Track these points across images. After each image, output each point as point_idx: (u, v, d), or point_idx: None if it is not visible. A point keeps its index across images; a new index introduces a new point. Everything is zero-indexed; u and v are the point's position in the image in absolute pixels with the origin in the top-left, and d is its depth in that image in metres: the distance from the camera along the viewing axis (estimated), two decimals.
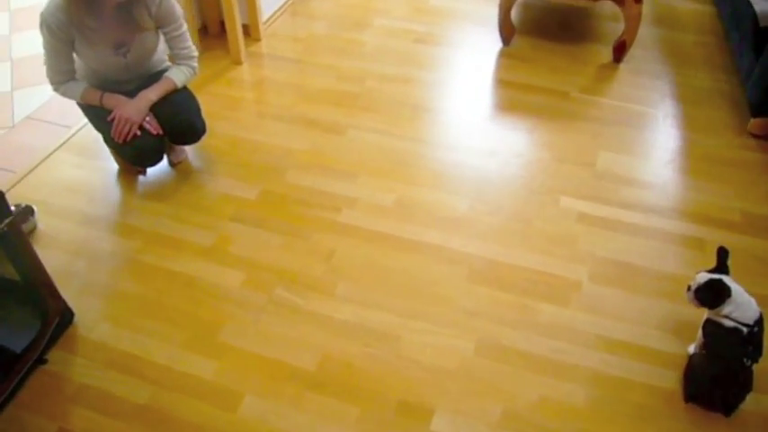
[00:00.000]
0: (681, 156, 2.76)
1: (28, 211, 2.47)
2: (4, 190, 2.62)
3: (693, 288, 1.91)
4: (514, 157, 2.76)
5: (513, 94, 3.11)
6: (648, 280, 2.26)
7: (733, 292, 1.84)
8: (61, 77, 2.35)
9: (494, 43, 3.46)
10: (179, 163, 2.73)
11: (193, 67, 2.49)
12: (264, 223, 2.48)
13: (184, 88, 2.51)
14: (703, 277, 1.90)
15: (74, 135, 2.87)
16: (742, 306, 1.85)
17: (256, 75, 3.29)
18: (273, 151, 2.81)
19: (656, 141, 2.83)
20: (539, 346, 2.06)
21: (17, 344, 1.98)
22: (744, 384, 1.86)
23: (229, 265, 2.33)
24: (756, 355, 1.86)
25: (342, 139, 2.87)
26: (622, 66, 3.28)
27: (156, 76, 2.46)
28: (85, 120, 2.59)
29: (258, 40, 3.49)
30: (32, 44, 3.62)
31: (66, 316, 2.14)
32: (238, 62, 3.31)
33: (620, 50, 3.23)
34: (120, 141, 2.33)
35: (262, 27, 3.49)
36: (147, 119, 2.36)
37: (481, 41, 3.50)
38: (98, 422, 1.90)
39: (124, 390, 1.97)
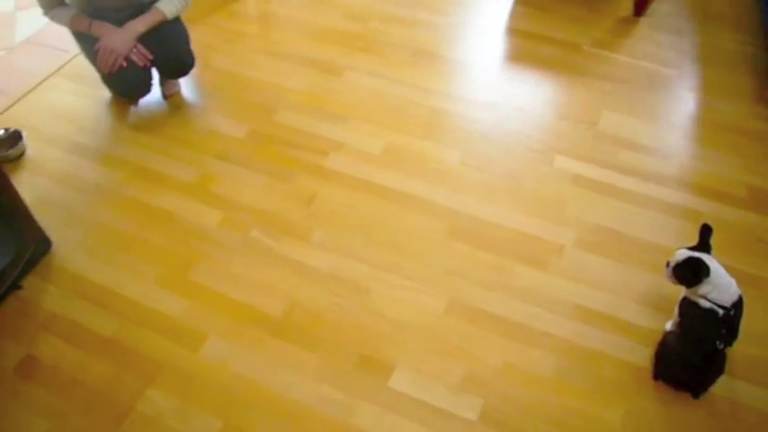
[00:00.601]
0: (691, 121, 2.62)
1: (17, 136, 2.46)
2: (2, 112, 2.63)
3: (672, 265, 1.84)
4: (515, 110, 2.65)
5: (523, 45, 2.97)
6: (636, 250, 2.18)
7: (712, 272, 1.76)
8: (51, 2, 2.30)
9: None
10: (171, 96, 2.69)
11: None
12: (249, 163, 2.44)
13: (176, 19, 2.44)
14: (683, 254, 1.82)
15: (70, 61, 2.83)
16: (720, 287, 1.77)
17: (260, 8, 3.19)
18: (267, 89, 2.74)
19: (666, 104, 2.69)
20: (512, 311, 2.02)
21: None
22: (716, 367, 1.80)
23: (209, 203, 2.31)
24: (730, 338, 1.80)
25: (337, 81, 2.78)
26: (643, 20, 3.09)
27: (149, 7, 2.39)
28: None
29: None
30: None
31: (43, 244, 2.15)
32: None
33: (641, 3, 3.05)
34: (106, 72, 2.29)
35: None
36: (135, 50, 2.30)
37: None
38: (64, 351, 1.92)
39: (93, 321, 1.99)
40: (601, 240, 2.21)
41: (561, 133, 2.56)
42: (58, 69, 2.80)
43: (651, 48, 2.95)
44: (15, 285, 2.06)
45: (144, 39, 2.34)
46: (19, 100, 2.67)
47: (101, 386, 1.85)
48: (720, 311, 1.76)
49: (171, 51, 2.41)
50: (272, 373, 1.88)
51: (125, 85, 2.40)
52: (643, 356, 1.92)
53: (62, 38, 2.95)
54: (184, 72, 2.51)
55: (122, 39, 2.27)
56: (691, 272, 1.78)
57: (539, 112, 2.65)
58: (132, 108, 2.66)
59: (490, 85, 2.77)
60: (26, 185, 2.36)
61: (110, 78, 2.36)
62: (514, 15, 3.14)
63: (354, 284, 2.08)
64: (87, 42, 2.35)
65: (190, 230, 2.23)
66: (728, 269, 1.80)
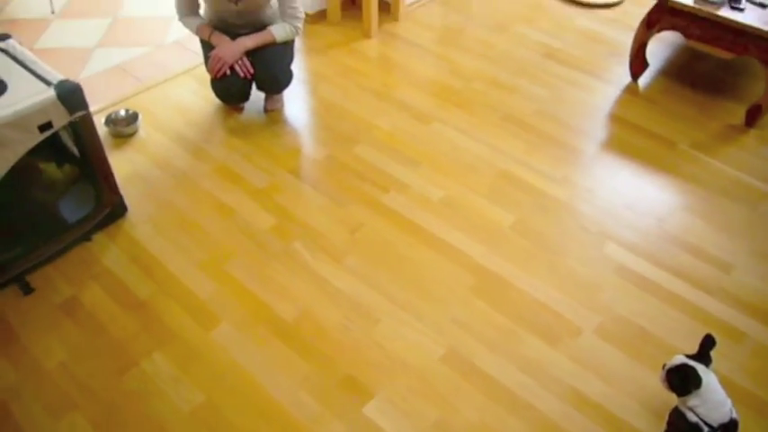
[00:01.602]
0: None
1: (134, 117, 2.85)
2: (127, 97, 3.06)
3: (666, 368, 1.77)
4: (586, 191, 2.65)
5: (617, 131, 2.96)
6: (657, 352, 2.10)
7: (704, 386, 1.68)
8: (185, 11, 2.68)
9: (623, 76, 3.28)
10: (272, 111, 2.97)
11: (296, 27, 2.70)
12: (316, 183, 2.64)
13: (284, 43, 2.72)
14: (679, 360, 1.75)
15: (200, 65, 3.22)
16: (709, 404, 1.68)
17: (378, 51, 3.44)
18: (357, 123, 2.95)
19: (749, 219, 2.56)
20: (505, 375, 2.02)
21: (72, 217, 2.35)
22: None
23: (268, 209, 2.53)
24: None
25: (424, 129, 2.93)
26: (753, 131, 2.96)
27: (264, 28, 2.70)
28: None
29: (396, 20, 3.63)
30: None
31: (120, 209, 2.47)
32: (368, 36, 3.48)
33: (753, 114, 2.93)
34: (212, 76, 2.61)
35: (403, 8, 3.62)
36: (240, 62, 2.60)
37: (611, 71, 3.34)
38: (103, 301, 2.20)
39: (134, 283, 2.26)
40: (623, 333, 2.15)
41: (624, 222, 2.52)
42: (189, 70, 3.20)
43: (751, 159, 2.82)
44: (87, 237, 2.39)
45: (250, 54, 2.64)
46: (148, 89, 3.09)
47: (120, 338, 2.09)
48: (705, 429, 1.67)
49: (269, 69, 2.69)
50: (263, 369, 2.02)
51: (225, 91, 2.72)
52: None
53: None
54: (278, 89, 2.79)
55: (232, 50, 2.58)
56: (680, 379, 1.71)
57: (609, 199, 2.62)
58: (236, 115, 2.98)
59: (568, 162, 2.79)
60: (126, 159, 2.73)
61: (214, 83, 2.68)
62: (620, 102, 3.14)
63: (367, 312, 2.19)
64: (207, 49, 2.70)
65: (242, 228, 2.45)
66: (761, 402, 1.70)
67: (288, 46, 2.76)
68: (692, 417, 1.69)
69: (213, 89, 2.81)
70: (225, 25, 2.69)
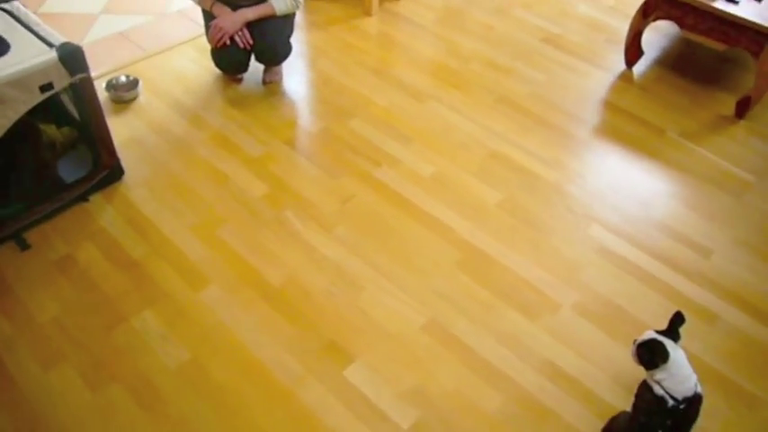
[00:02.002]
0: (752, 230, 2.53)
1: (134, 83, 2.90)
2: (129, 64, 3.10)
3: (636, 343, 1.83)
4: (574, 174, 2.70)
5: (608, 117, 3.00)
6: (633, 331, 2.15)
7: (671, 360, 1.74)
8: None
9: (618, 63, 3.32)
10: (270, 83, 3.02)
11: (297, 0, 2.73)
12: (310, 154, 2.70)
13: (285, 16, 2.76)
14: (648, 335, 1.81)
15: (202, 36, 3.26)
16: (675, 377, 1.74)
17: (378, 29, 3.48)
18: (354, 98, 3.00)
19: (733, 208, 2.61)
20: (484, 347, 2.08)
21: (70, 177, 2.40)
22: None
23: (261, 177, 2.58)
24: None
25: (419, 107, 2.98)
26: (743, 122, 3.01)
27: (265, 0, 2.74)
28: None
29: (398, 0, 3.68)
30: None
31: (117, 172, 2.52)
32: (368, 14, 3.52)
33: (743, 105, 2.97)
34: (212, 45, 2.66)
35: None
36: (240, 33, 2.65)
37: (607, 58, 3.38)
38: (97, 260, 2.26)
39: (128, 244, 2.32)
40: (601, 311, 2.21)
41: (609, 205, 2.58)
42: (190, 40, 3.25)
43: (739, 150, 2.87)
44: (84, 197, 2.45)
45: (250, 26, 2.68)
46: (149, 56, 3.14)
47: (112, 295, 2.16)
48: (670, 402, 1.73)
49: (268, 41, 2.74)
50: (249, 330, 2.08)
51: (225, 61, 2.77)
52: (592, 428, 1.92)
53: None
54: (277, 61, 2.84)
55: (232, 21, 2.63)
56: (649, 353, 1.77)
57: (597, 183, 2.67)
58: (234, 85, 3.02)
59: (559, 146, 2.84)
60: (125, 124, 2.78)
61: (214, 52, 2.73)
62: (614, 89, 3.18)
63: (352, 280, 2.25)
64: (208, 19, 2.74)
65: (236, 195, 2.51)
66: (728, 382, 1.79)
67: (288, 19, 2.80)
68: (658, 390, 1.75)
69: (213, 58, 2.86)
70: None
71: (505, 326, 2.15)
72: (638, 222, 2.53)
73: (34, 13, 3.36)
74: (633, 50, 3.22)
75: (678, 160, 2.81)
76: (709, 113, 3.06)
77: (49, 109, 2.42)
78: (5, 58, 2.10)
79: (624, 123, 2.98)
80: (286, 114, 2.89)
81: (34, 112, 2.19)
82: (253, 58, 2.85)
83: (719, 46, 2.95)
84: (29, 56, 2.11)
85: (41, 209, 2.35)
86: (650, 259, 2.39)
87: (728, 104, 3.11)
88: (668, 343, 1.77)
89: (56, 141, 2.49)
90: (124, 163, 2.55)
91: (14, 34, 2.21)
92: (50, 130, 2.49)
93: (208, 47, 3.02)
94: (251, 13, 2.66)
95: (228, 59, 2.77)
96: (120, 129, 2.75)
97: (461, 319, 2.16)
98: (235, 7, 2.70)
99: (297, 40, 3.37)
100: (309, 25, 3.49)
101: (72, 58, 2.15)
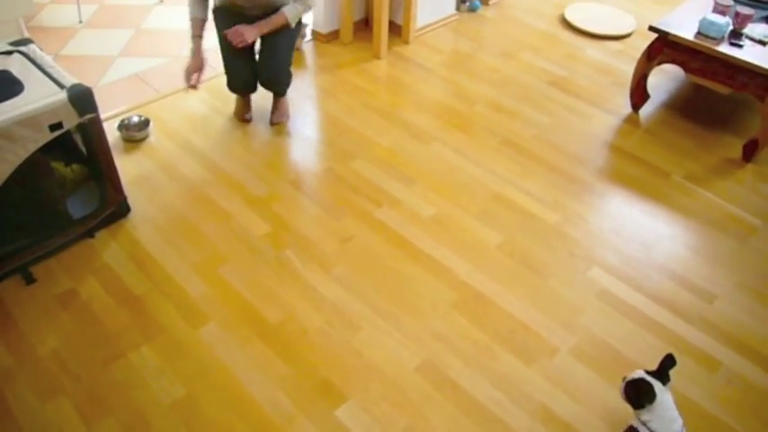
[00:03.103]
0: (755, 276, 2.50)
1: (146, 123, 2.99)
2: (142, 104, 3.19)
3: (625, 381, 1.81)
4: (577, 218, 2.70)
5: (613, 160, 3.01)
6: None
7: (657, 401, 1.73)
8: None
9: (624, 106, 3.35)
10: (277, 124, 3.09)
11: (306, 4, 2.84)
12: (313, 194, 2.73)
13: (286, 40, 2.88)
14: (638, 374, 1.79)
15: (213, 78, 3.37)
16: (662, 420, 1.72)
17: (386, 72, 3.54)
18: (358, 139, 3.05)
19: (740, 254, 2.59)
20: (477, 389, 2.07)
21: (77, 213, 2.46)
22: None
23: (264, 217, 2.62)
24: None
25: (423, 148, 3.02)
26: (750, 166, 2.99)
27: (276, 10, 2.83)
28: None
29: (407, 43, 3.75)
30: None
31: (123, 209, 2.58)
32: (377, 57, 3.59)
33: (750, 148, 2.96)
34: (229, 42, 2.80)
35: (413, 32, 3.74)
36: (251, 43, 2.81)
37: (612, 101, 3.40)
38: (99, 295, 2.30)
39: (131, 280, 2.36)
40: (598, 355, 2.19)
41: (611, 248, 2.57)
42: (202, 82, 3.32)
43: (745, 194, 2.85)
44: (90, 233, 2.50)
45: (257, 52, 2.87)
46: (162, 97, 3.23)
47: (111, 330, 2.19)
48: None
49: (272, 69, 2.88)
50: (244, 368, 2.10)
51: (236, 80, 2.94)
52: None
53: (217, 58, 3.50)
54: (279, 87, 2.99)
55: (251, 31, 2.77)
56: (635, 393, 1.75)
57: (598, 223, 2.67)
58: (243, 126, 3.09)
59: (562, 188, 2.84)
60: (134, 162, 2.85)
61: (229, 67, 2.93)
62: (619, 132, 3.19)
63: (349, 320, 2.26)
64: (220, 30, 2.88)
65: (238, 234, 2.55)
66: (727, 427, 1.74)
67: (290, 48, 2.91)
68: (644, 431, 1.73)
69: (227, 73, 2.96)
70: (234, 8, 2.83)
71: (501, 369, 2.14)
72: (640, 265, 2.51)
73: (55, 55, 3.50)
74: (639, 94, 3.24)
75: (683, 203, 2.80)
76: (715, 157, 3.05)
77: (60, 147, 2.50)
78: (18, 98, 2.18)
79: (628, 166, 2.99)
80: (291, 155, 2.95)
81: (46, 150, 2.26)
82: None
83: (725, 90, 2.96)
84: (40, 96, 2.19)
85: (49, 244, 2.41)
86: (651, 303, 2.37)
87: (735, 148, 3.10)
88: (656, 384, 1.76)
89: (66, 178, 2.56)
90: (131, 200, 2.61)
91: (29, 75, 2.30)
92: (61, 168, 2.57)
93: (217, 88, 3.11)
94: (266, 26, 2.78)
95: (239, 80, 2.92)
96: (129, 167, 2.82)
97: (456, 361, 2.15)
98: (249, 19, 2.80)
99: (305, 82, 3.45)
100: (319, 68, 3.57)
101: (81, 98, 2.23)
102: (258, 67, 2.90)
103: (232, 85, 2.99)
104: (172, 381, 2.06)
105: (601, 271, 2.48)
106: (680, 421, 1.74)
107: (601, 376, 2.13)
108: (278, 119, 3.10)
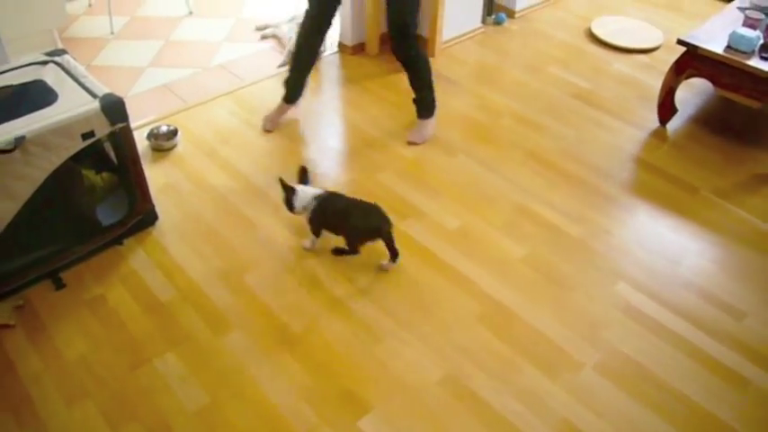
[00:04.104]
0: None
1: (174, 133, 3.03)
2: (170, 114, 3.24)
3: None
4: (602, 232, 2.68)
5: (639, 174, 2.99)
6: (656, 392, 2.10)
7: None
8: None
9: (651, 120, 3.32)
10: (412, 144, 3.12)
11: None
12: None
13: None
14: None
15: (241, 88, 3.41)
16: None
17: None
18: (384, 150, 3.06)
19: None
20: (500, 402, 2.06)
21: (107, 220, 2.51)
22: None
23: (289, 226, 2.64)
24: None
25: (448, 160, 3.02)
26: None
27: None
28: (254, 78, 3.13)
29: (433, 55, 3.76)
30: (255, 9, 4.30)
31: (151, 217, 2.62)
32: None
33: None
34: None
35: (439, 45, 3.75)
36: None
37: (639, 115, 3.38)
38: (127, 301, 2.34)
39: (157, 287, 2.39)
40: (623, 371, 2.17)
41: (637, 263, 2.55)
42: (230, 92, 3.39)
43: None
44: (118, 241, 2.54)
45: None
46: (190, 108, 3.28)
47: (138, 336, 2.22)
48: None
49: (400, 17, 2.86)
50: (268, 377, 2.11)
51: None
52: None
53: (246, 69, 3.57)
54: (403, 34, 2.90)
55: None
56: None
57: (624, 238, 2.65)
58: (268, 136, 3.13)
59: (587, 202, 2.83)
60: (163, 171, 2.90)
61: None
62: (645, 146, 3.17)
63: (372, 330, 2.26)
64: None
65: (263, 243, 2.57)
66: None
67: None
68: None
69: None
70: None
71: (524, 382, 2.12)
72: (666, 281, 2.49)
73: (87, 65, 3.57)
74: (666, 107, 3.22)
75: (711, 219, 2.76)
76: (744, 172, 3.02)
77: (92, 155, 2.55)
78: (52, 107, 2.23)
79: (655, 180, 2.96)
80: (318, 165, 2.97)
81: (78, 158, 2.30)
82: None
83: (754, 104, 2.93)
84: (74, 105, 2.24)
85: (79, 250, 2.45)
86: (678, 319, 2.35)
87: (765, 163, 3.06)
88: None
89: (96, 186, 2.61)
90: (159, 209, 2.65)
91: (63, 85, 2.35)
92: (92, 176, 2.62)
93: (245, 99, 3.15)
94: None
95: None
96: (157, 176, 2.86)
97: (479, 374, 2.14)
98: None
99: (331, 93, 3.48)
100: (345, 80, 3.60)
101: (113, 108, 2.27)
102: (390, 17, 2.85)
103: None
104: (196, 388, 2.08)
105: (626, 285, 2.46)
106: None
107: (626, 392, 2.10)
108: (415, 138, 3.11)
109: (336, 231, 2.49)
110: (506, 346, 2.23)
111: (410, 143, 3.12)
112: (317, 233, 2.51)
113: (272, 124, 3.16)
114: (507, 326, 2.30)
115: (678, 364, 2.20)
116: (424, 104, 3.14)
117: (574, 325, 2.31)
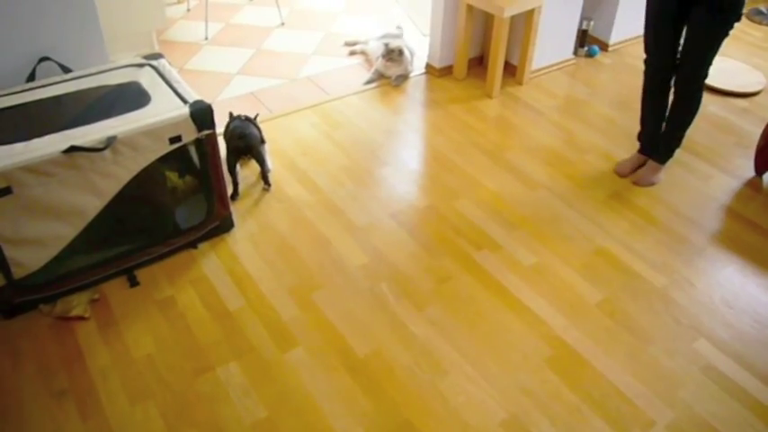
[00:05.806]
0: None
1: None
2: (260, 123, 3.30)
3: None
4: (685, 283, 2.55)
5: (729, 225, 2.84)
6: None
7: None
8: None
9: (746, 169, 3.15)
10: (636, 184, 3.05)
11: None
12: (413, 229, 2.72)
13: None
14: None
15: (325, 102, 3.44)
16: None
17: (497, 111, 3.50)
18: (464, 178, 3.01)
19: None
20: None
21: (185, 223, 2.55)
22: None
23: (362, 246, 2.63)
24: None
25: (529, 194, 2.95)
26: None
27: None
28: (340, 92, 3.12)
29: (521, 84, 3.70)
30: (346, 24, 4.34)
31: (227, 224, 2.65)
32: (490, 96, 3.56)
33: None
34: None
35: (528, 74, 3.68)
36: None
37: (734, 163, 3.21)
38: (195, 305, 2.36)
39: (226, 294, 2.41)
40: None
41: (720, 319, 2.41)
42: (314, 105, 3.42)
43: None
44: (193, 244, 2.58)
45: None
46: (274, 117, 3.32)
47: (203, 342, 2.24)
48: None
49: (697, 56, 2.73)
50: (327, 398, 2.09)
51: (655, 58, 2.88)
52: None
53: (331, 84, 3.59)
54: (696, 70, 2.78)
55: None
56: None
57: (708, 292, 2.51)
58: (347, 153, 3.13)
59: (671, 250, 2.70)
60: (242, 179, 2.94)
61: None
62: (738, 196, 3.01)
63: (437, 362, 2.21)
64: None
65: (335, 261, 2.56)
66: None
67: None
68: None
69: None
70: None
71: None
72: (752, 343, 2.34)
73: (180, 68, 3.67)
74: (764, 156, 3.04)
75: None
76: None
77: (176, 158, 2.60)
78: (145, 109, 2.29)
79: (746, 233, 2.81)
80: (395, 187, 2.95)
81: (163, 160, 2.35)
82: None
83: None
84: (164, 109, 2.29)
85: (155, 250, 2.50)
86: (761, 385, 2.20)
87: None
88: None
89: (177, 188, 2.66)
90: (235, 216, 2.68)
91: (156, 89, 2.41)
92: (174, 178, 2.67)
93: (327, 112, 3.17)
94: None
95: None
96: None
97: (543, 420, 2.06)
98: None
99: (415, 115, 3.47)
100: (430, 102, 3.58)
101: (201, 115, 2.32)
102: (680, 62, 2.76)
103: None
104: (255, 401, 2.07)
105: (707, 343, 2.33)
106: None
107: None
108: (642, 180, 3.05)
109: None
110: (574, 394, 2.14)
111: (636, 184, 3.03)
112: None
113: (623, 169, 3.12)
114: (577, 372, 2.21)
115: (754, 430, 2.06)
116: (672, 145, 3.02)
117: (648, 379, 2.20)
